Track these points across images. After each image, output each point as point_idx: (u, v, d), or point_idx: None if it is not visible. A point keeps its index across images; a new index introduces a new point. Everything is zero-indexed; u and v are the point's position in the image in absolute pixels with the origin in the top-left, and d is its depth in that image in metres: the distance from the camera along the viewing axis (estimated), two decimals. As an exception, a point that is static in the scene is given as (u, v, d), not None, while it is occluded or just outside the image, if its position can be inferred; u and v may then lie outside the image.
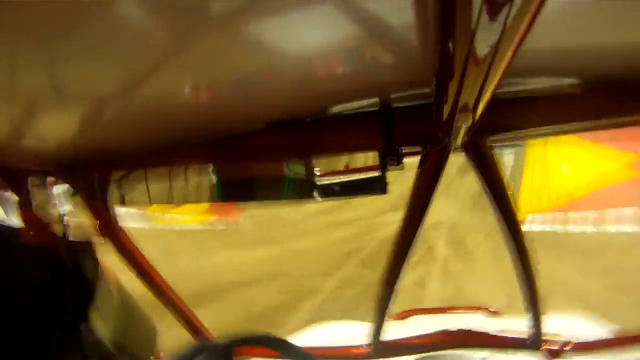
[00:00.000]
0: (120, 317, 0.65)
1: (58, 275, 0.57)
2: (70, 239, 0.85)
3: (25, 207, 0.83)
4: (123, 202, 0.89)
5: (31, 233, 0.69)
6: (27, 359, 0.50)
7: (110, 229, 0.99)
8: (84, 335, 0.56)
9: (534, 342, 1.16)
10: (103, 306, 0.61)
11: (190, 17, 0.38)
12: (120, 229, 1.01)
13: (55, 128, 0.62)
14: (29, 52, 0.41)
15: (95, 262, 0.65)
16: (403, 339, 1.27)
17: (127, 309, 0.68)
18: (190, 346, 0.91)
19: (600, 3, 0.40)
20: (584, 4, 0.40)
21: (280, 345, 1.02)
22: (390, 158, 0.65)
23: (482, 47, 0.30)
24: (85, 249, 0.68)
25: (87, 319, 0.58)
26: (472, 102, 0.42)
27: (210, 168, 0.83)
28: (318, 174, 0.81)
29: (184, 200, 0.85)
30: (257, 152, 0.68)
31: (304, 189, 0.81)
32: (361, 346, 1.26)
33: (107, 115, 0.59)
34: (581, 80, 0.57)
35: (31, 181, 0.79)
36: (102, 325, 0.60)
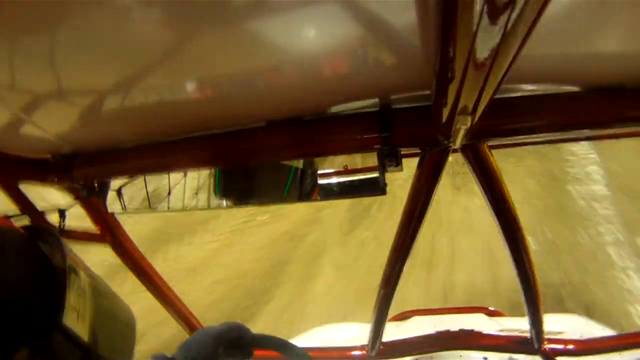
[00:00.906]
0: (96, 310, 0.61)
1: (42, 270, 0.55)
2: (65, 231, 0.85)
3: (17, 196, 0.83)
4: (123, 208, 0.89)
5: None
6: None
7: (110, 230, 0.99)
8: (56, 337, 0.54)
9: (534, 342, 1.16)
10: (76, 301, 0.58)
11: (193, 13, 0.38)
12: (121, 230, 1.01)
13: (54, 118, 0.62)
14: (29, 43, 0.41)
15: (63, 251, 0.61)
16: (403, 340, 1.27)
17: (102, 300, 0.64)
18: (188, 347, 0.90)
19: (603, 9, 0.40)
20: (587, 10, 0.40)
21: (280, 345, 1.02)
22: (389, 159, 0.65)
23: (482, 50, 0.30)
24: (52, 236, 0.64)
25: (59, 317, 0.55)
26: (471, 105, 0.42)
27: (209, 173, 0.83)
28: (319, 172, 0.81)
29: (181, 207, 0.85)
30: (256, 151, 0.68)
31: (305, 188, 0.81)
32: (361, 347, 1.26)
33: (106, 108, 0.59)
34: (583, 87, 0.57)
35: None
36: (77, 322, 0.57)
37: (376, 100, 0.60)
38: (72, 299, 0.56)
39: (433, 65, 0.39)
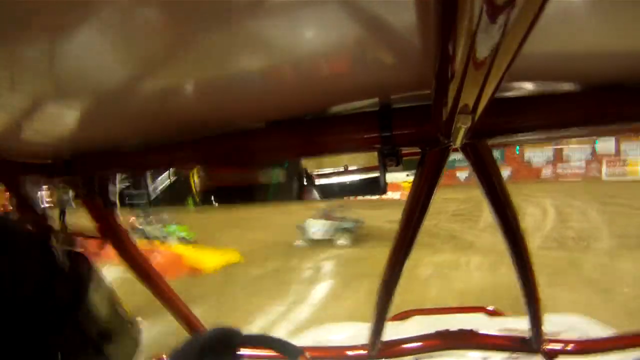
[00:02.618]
0: (109, 317, 0.64)
1: (50, 268, 0.57)
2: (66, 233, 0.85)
3: (19, 198, 0.83)
4: (123, 204, 0.89)
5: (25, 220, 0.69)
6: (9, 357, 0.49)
7: (111, 229, 0.99)
8: (71, 335, 0.56)
9: (534, 342, 1.16)
10: (93, 305, 0.60)
11: (193, 14, 0.38)
12: (121, 229, 1.01)
13: (55, 122, 0.62)
14: (30, 46, 0.41)
15: (87, 258, 0.65)
16: (403, 339, 1.27)
17: (114, 309, 0.67)
18: (190, 346, 0.90)
19: (602, 7, 0.40)
20: (586, 8, 0.40)
21: (279, 345, 1.02)
22: (389, 158, 0.65)
23: (482, 49, 0.30)
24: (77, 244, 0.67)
25: (77, 318, 0.57)
26: (471, 104, 0.42)
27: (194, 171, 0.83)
28: (310, 174, 0.81)
29: (181, 202, 0.85)
30: (256, 151, 0.68)
31: (294, 190, 0.81)
32: (361, 346, 1.26)
33: (107, 111, 0.59)
34: (582, 85, 0.57)
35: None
36: (91, 324, 0.60)
37: (376, 100, 0.60)
38: (91, 302, 0.59)
39: (433, 65, 0.39)
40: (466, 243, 8.13)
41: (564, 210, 10.60)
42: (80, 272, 0.61)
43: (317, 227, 9.02)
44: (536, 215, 10.15)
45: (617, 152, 15.94)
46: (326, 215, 9.08)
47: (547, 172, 17.37)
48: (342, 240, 8.87)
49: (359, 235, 9.10)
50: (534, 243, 7.49)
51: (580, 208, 10.58)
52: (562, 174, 17.12)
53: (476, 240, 8.14)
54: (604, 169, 16.22)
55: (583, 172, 16.70)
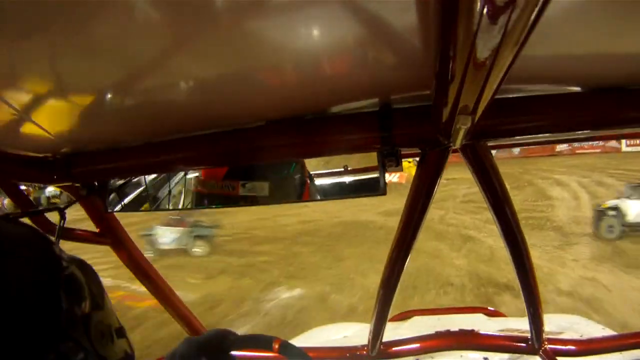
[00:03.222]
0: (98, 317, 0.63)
1: (53, 275, 0.56)
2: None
3: (17, 194, 0.83)
4: (122, 206, 0.89)
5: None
6: None
7: (111, 231, 0.99)
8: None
9: (534, 342, 1.17)
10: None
11: (193, 13, 0.38)
12: (121, 230, 1.01)
13: (55, 117, 0.62)
14: (30, 44, 0.41)
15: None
16: (403, 340, 1.28)
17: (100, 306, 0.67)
18: (187, 347, 0.90)
19: (602, 10, 0.40)
20: (586, 11, 0.40)
21: (263, 342, 1.02)
22: (389, 159, 0.65)
23: (483, 50, 0.30)
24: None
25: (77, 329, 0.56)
26: (471, 105, 0.42)
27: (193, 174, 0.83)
28: (318, 173, 0.81)
29: (181, 206, 0.86)
30: (256, 150, 0.68)
31: (289, 190, 0.81)
32: (361, 347, 1.26)
33: (107, 108, 0.59)
34: (583, 87, 0.57)
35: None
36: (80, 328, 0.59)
37: (376, 100, 0.60)
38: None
39: (433, 66, 0.39)
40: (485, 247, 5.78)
41: (597, 191, 8.66)
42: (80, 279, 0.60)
43: (167, 236, 7.85)
44: (567, 200, 8.20)
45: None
46: (177, 222, 7.93)
47: (562, 145, 15.70)
48: (197, 249, 7.83)
49: (219, 242, 8.04)
50: (580, 252, 5.24)
51: (616, 187, 8.49)
52: (580, 147, 15.97)
53: (497, 243, 5.97)
54: (623, 140, 15.08)
55: (602, 144, 15.57)
